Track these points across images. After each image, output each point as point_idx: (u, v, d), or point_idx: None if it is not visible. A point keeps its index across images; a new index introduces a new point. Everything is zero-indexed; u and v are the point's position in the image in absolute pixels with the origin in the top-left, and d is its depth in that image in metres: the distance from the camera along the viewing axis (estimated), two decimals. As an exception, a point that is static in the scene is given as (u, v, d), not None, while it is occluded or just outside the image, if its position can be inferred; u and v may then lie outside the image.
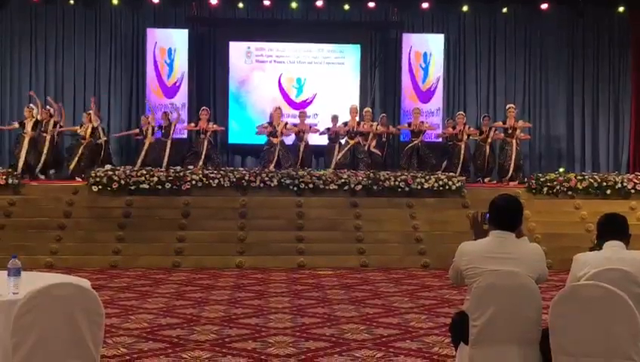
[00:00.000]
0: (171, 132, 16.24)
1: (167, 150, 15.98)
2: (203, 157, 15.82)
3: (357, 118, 16.44)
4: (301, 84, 18.37)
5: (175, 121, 16.37)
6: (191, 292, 10.05)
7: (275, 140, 15.86)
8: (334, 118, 16.53)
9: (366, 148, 16.28)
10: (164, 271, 11.98)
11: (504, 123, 16.41)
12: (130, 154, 17.47)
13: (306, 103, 18.21)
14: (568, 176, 14.73)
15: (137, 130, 16.72)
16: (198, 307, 8.90)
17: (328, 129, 16.55)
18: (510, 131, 16.23)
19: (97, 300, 4.21)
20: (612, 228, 4.80)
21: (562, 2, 18.17)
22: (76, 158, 15.60)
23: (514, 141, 16.15)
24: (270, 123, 16.13)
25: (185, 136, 17.29)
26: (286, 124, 16.24)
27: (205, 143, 16.05)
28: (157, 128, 16.39)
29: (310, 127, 16.51)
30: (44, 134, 15.62)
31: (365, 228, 13.46)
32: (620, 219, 4.84)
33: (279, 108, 16.42)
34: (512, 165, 16.00)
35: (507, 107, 16.70)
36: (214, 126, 16.60)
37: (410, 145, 16.66)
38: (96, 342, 4.15)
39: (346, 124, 16.35)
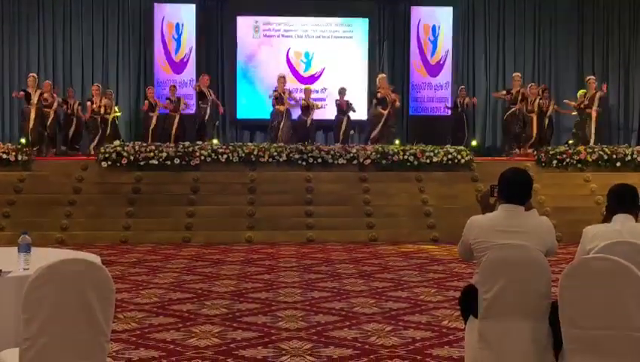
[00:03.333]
0: (180, 107, 16.23)
1: (175, 124, 15.98)
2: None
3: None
4: (309, 59, 18.32)
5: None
6: (201, 267, 10.09)
7: (281, 108, 15.84)
8: (342, 91, 16.44)
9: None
10: (174, 246, 12.02)
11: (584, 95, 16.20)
12: (139, 129, 17.49)
13: (314, 78, 18.17)
14: (578, 149, 14.67)
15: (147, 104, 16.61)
16: (208, 282, 8.94)
17: (335, 100, 16.49)
18: (588, 102, 16.05)
19: (108, 276, 4.21)
20: (622, 199, 4.76)
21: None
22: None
23: (593, 112, 16.02)
24: (275, 90, 16.13)
25: (193, 111, 17.25)
26: (290, 92, 16.23)
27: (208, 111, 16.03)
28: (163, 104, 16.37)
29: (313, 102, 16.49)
30: (48, 110, 15.64)
31: (374, 202, 13.46)
32: (631, 190, 4.80)
33: (283, 77, 16.37)
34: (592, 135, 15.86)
35: (587, 79, 16.54)
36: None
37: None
38: (106, 317, 4.16)
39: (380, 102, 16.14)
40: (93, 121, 16.02)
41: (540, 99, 16.29)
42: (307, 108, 16.27)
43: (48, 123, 15.65)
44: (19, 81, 17.48)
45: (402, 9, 18.62)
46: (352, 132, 16.76)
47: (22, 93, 15.79)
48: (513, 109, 16.25)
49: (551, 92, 18.34)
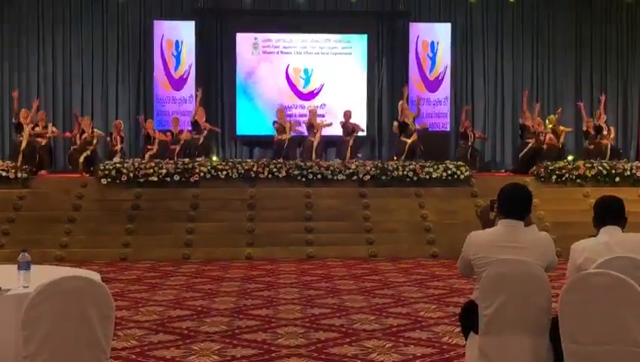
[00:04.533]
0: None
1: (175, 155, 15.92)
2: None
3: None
4: (308, 75, 18.36)
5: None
6: (200, 284, 10.07)
7: (283, 137, 15.83)
8: (347, 114, 16.46)
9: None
10: (173, 263, 12.00)
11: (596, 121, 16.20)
12: (139, 146, 17.53)
13: (313, 94, 18.22)
14: (577, 164, 14.68)
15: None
16: (208, 299, 8.92)
17: (341, 122, 16.50)
18: (605, 133, 16.11)
19: (107, 293, 4.21)
20: (608, 212, 4.75)
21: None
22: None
23: (608, 144, 16.09)
24: (275, 122, 16.11)
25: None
26: (291, 123, 16.19)
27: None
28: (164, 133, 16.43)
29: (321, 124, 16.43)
30: (41, 139, 15.62)
31: (374, 218, 13.45)
32: (617, 202, 4.78)
33: (283, 109, 16.37)
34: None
35: (600, 97, 16.67)
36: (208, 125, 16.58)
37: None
38: (106, 335, 4.16)
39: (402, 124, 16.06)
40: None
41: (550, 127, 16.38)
42: (312, 127, 16.20)
43: (39, 147, 15.55)
44: (18, 98, 17.39)
45: (401, 25, 18.68)
46: (359, 155, 16.70)
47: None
48: (530, 145, 16.07)
49: (549, 105, 18.34)
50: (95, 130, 16.18)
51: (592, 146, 16.17)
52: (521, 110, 16.64)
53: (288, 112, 17.13)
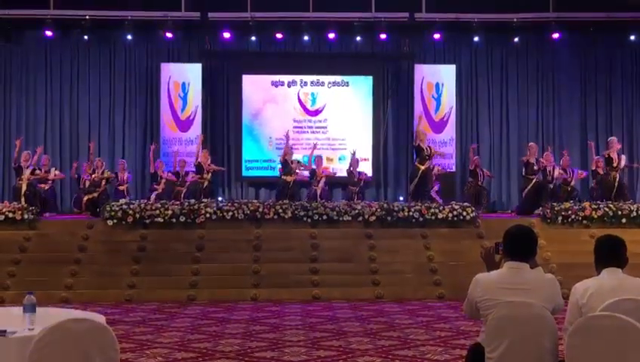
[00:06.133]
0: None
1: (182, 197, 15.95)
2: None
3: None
4: (314, 99, 18.49)
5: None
6: (206, 325, 10.03)
7: (289, 178, 15.86)
8: (354, 161, 16.58)
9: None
10: (178, 304, 11.97)
11: (606, 155, 16.16)
12: (145, 187, 17.61)
13: (318, 111, 18.40)
14: (583, 206, 14.66)
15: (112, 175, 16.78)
16: (213, 341, 8.88)
17: (349, 170, 16.60)
18: (615, 165, 15.99)
19: (112, 336, 4.21)
20: (609, 252, 4.73)
21: (574, 31, 18.21)
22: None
23: (617, 176, 16.01)
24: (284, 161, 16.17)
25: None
26: (298, 162, 16.24)
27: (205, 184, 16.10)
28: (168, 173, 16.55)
29: (324, 173, 16.47)
30: (42, 185, 15.70)
31: (380, 259, 13.43)
32: (618, 242, 4.77)
33: (290, 147, 16.44)
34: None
35: (609, 139, 16.59)
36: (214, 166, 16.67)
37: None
38: (111, 378, 4.15)
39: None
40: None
41: (561, 168, 16.41)
42: (315, 175, 16.24)
43: (42, 191, 15.64)
44: (25, 142, 17.48)
45: (405, 67, 18.79)
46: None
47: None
48: (534, 181, 16.08)
49: (555, 146, 18.34)
50: (106, 171, 16.30)
51: (597, 186, 16.16)
52: (527, 148, 16.62)
53: (297, 131, 17.06)
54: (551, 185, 16.15)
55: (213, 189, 16.69)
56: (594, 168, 16.37)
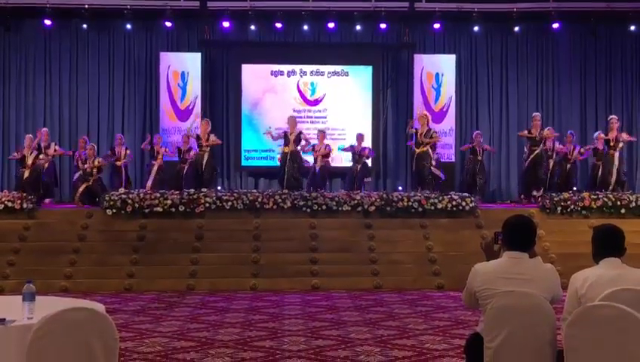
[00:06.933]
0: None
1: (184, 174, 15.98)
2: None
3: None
4: (314, 89, 18.48)
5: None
6: (205, 315, 10.04)
7: (286, 149, 15.84)
8: (360, 137, 16.59)
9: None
10: (178, 293, 11.99)
11: (606, 135, 16.21)
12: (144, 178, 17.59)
13: (317, 101, 18.42)
14: (582, 196, 14.66)
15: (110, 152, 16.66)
16: (212, 330, 8.90)
17: (352, 146, 16.57)
18: (612, 143, 15.98)
19: (111, 324, 4.21)
20: (608, 242, 4.72)
21: (574, 21, 18.17)
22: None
23: (616, 153, 16.00)
24: (285, 133, 16.14)
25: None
26: (300, 133, 16.17)
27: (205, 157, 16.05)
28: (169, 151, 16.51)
29: (327, 148, 16.42)
30: (42, 160, 15.63)
31: (379, 249, 13.44)
32: (616, 232, 4.75)
33: (293, 117, 16.42)
34: (614, 178, 15.80)
35: (609, 118, 16.59)
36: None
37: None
38: (110, 367, 4.16)
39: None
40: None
41: (560, 143, 16.52)
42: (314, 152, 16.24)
43: (43, 171, 15.55)
44: (25, 131, 17.45)
45: (405, 57, 18.76)
46: (368, 179, 16.82)
47: (16, 155, 15.81)
48: (537, 152, 16.21)
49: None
50: (97, 159, 16.11)
51: (599, 162, 16.16)
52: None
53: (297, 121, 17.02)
54: (551, 160, 16.18)
55: (215, 166, 16.57)
56: (594, 147, 16.38)
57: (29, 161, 15.33)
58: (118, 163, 16.24)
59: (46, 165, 15.77)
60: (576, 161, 16.65)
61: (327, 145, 16.54)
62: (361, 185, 16.17)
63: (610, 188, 15.54)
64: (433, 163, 16.12)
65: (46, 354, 4.01)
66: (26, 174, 15.17)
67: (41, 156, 15.59)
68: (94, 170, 15.87)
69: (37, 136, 15.98)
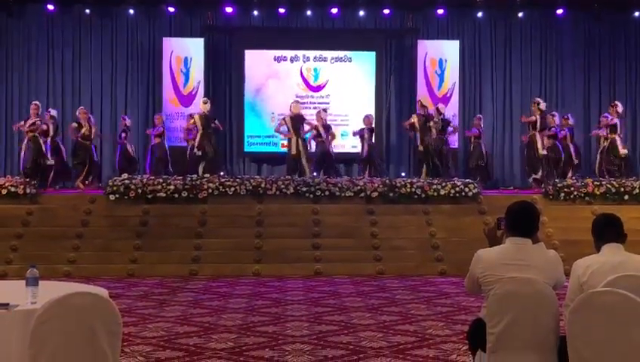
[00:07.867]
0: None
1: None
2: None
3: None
4: (317, 75, 18.46)
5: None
6: (208, 300, 10.06)
7: (292, 137, 15.82)
8: (369, 119, 16.65)
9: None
10: (181, 279, 12.01)
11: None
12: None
13: (320, 87, 18.41)
14: (585, 182, 14.65)
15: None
16: (215, 315, 8.92)
17: (361, 130, 16.58)
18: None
19: (115, 309, 4.22)
20: (609, 229, 4.73)
21: (577, 7, 18.13)
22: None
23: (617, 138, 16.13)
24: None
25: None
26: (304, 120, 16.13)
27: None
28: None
29: (328, 129, 16.36)
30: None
31: (381, 235, 13.44)
32: (616, 220, 4.76)
33: (296, 101, 16.40)
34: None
35: (612, 104, 16.61)
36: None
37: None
38: (114, 351, 4.16)
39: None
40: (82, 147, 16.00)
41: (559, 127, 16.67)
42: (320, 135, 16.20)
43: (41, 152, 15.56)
44: (27, 115, 17.42)
45: (409, 42, 18.72)
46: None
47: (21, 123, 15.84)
48: (531, 133, 16.40)
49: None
50: (93, 127, 16.19)
51: (606, 143, 16.22)
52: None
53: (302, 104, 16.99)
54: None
55: (218, 147, 16.60)
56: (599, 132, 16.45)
57: (25, 127, 15.50)
58: (85, 142, 16.06)
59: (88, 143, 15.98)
60: (569, 144, 16.70)
61: (330, 126, 16.54)
62: (379, 166, 16.30)
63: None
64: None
65: (49, 339, 4.02)
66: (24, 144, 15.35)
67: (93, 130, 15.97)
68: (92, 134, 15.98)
69: (46, 116, 15.99)
